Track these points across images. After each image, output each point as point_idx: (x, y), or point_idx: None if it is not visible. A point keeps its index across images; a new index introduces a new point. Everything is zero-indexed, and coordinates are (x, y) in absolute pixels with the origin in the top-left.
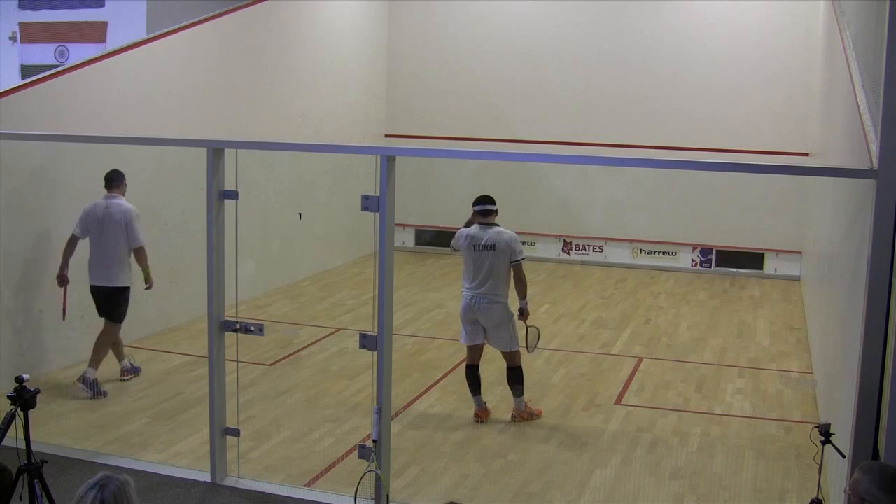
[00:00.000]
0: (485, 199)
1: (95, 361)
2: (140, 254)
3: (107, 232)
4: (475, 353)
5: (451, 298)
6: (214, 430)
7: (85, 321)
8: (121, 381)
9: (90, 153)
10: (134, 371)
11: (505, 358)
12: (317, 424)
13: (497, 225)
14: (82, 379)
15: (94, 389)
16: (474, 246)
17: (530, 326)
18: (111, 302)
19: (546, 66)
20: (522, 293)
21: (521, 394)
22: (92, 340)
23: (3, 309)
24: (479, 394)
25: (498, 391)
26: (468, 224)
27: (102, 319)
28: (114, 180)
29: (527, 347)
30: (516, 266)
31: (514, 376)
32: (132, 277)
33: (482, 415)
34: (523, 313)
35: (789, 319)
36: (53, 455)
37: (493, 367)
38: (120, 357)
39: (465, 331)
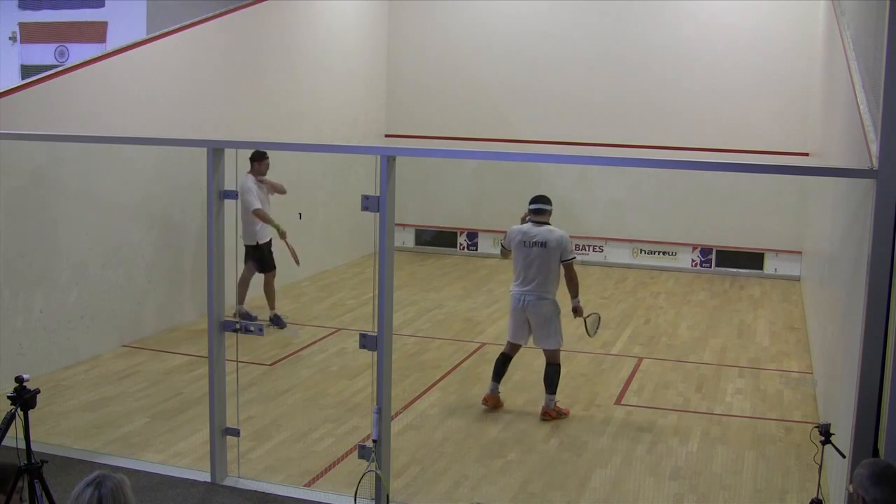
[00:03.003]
0: (539, 199)
1: (272, 303)
2: (257, 215)
3: (241, 201)
4: (514, 349)
5: (451, 298)
6: (214, 430)
7: (84, 321)
8: (267, 324)
9: (90, 153)
10: (277, 323)
11: (546, 355)
12: (317, 424)
13: (549, 224)
14: (271, 319)
15: (280, 322)
16: (524, 242)
17: (589, 315)
18: (252, 257)
19: (546, 65)
20: (574, 292)
21: (554, 392)
22: (92, 340)
23: (3, 309)
24: (498, 381)
25: (502, 390)
26: (522, 221)
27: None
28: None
29: (588, 333)
30: (567, 265)
31: (552, 373)
32: (260, 236)
33: (490, 400)
34: (577, 311)
35: (789, 319)
36: (53, 455)
37: (493, 367)
38: (272, 306)
39: (511, 327)
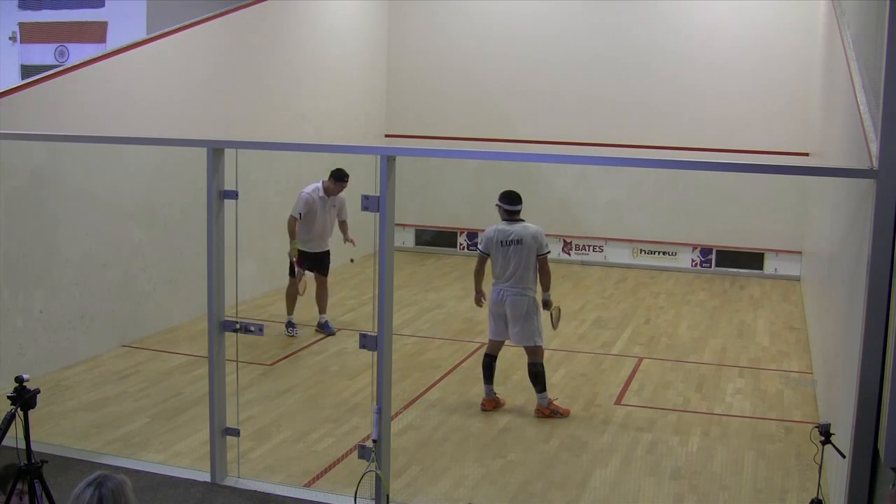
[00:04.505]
0: (513, 198)
1: (323, 308)
2: (288, 223)
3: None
4: (496, 346)
5: (451, 298)
6: (214, 430)
7: (84, 321)
8: (315, 330)
9: (90, 153)
10: (326, 330)
11: (527, 353)
12: (317, 424)
13: (522, 220)
14: (318, 325)
15: (328, 330)
16: (501, 241)
17: (555, 308)
18: (323, 262)
19: (546, 66)
20: (546, 285)
21: (544, 390)
22: (92, 340)
23: (3, 309)
24: (491, 383)
25: (499, 391)
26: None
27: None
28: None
29: (553, 325)
30: (542, 259)
31: (535, 372)
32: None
33: (488, 404)
34: (547, 304)
35: (789, 319)
36: (53, 455)
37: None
38: (322, 311)
39: (491, 324)
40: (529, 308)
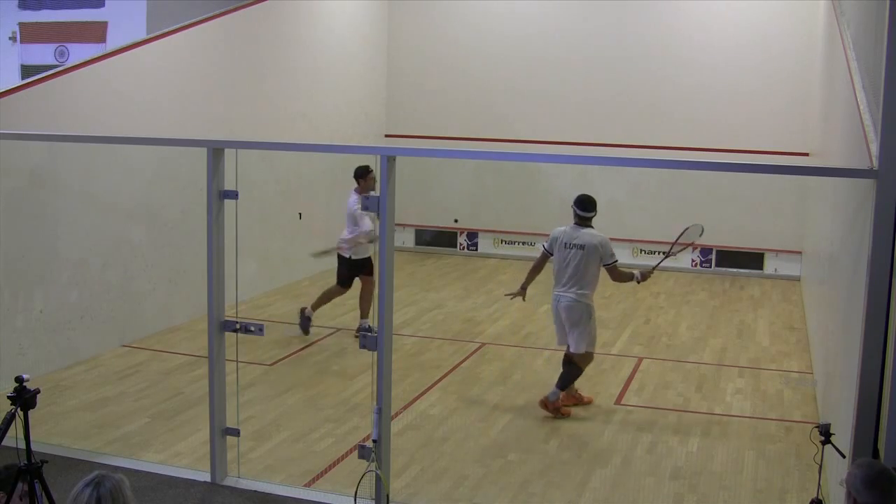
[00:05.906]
0: (584, 202)
1: (365, 311)
2: (370, 238)
3: (352, 217)
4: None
5: (451, 298)
6: (214, 430)
7: (84, 321)
8: (354, 336)
9: (90, 153)
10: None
11: (573, 355)
12: (317, 424)
13: (592, 227)
14: (359, 329)
15: (305, 325)
16: (565, 244)
17: (690, 227)
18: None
19: (546, 66)
20: (629, 279)
21: (563, 389)
22: (92, 340)
23: (3, 309)
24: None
25: (499, 391)
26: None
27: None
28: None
29: (695, 239)
30: (610, 269)
31: (569, 372)
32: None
33: (569, 401)
34: (645, 276)
35: (789, 319)
36: (53, 455)
37: (493, 366)
38: (364, 315)
39: (556, 332)
40: (583, 314)
